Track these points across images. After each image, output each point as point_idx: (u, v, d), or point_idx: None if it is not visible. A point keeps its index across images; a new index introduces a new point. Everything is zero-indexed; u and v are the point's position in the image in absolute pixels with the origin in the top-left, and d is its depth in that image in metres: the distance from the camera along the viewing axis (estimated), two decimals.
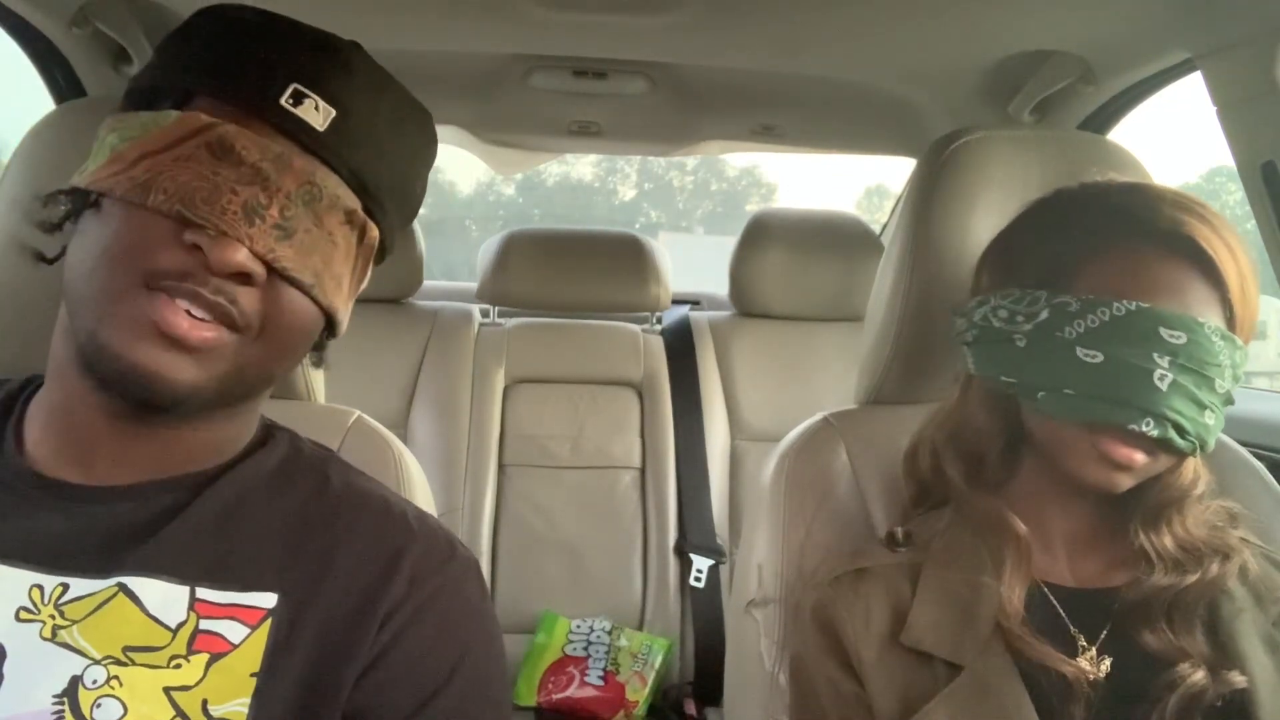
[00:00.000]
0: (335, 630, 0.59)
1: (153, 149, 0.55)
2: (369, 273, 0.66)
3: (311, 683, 0.57)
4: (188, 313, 0.54)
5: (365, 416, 0.89)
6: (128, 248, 0.54)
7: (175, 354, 0.54)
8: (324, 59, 0.59)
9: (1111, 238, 0.70)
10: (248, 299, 0.56)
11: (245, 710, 0.55)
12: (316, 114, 0.57)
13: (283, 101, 0.57)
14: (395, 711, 0.58)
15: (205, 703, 0.55)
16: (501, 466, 1.79)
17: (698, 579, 1.71)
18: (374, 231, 0.62)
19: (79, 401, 0.59)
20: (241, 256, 0.54)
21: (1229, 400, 0.68)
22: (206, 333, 0.54)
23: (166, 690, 0.55)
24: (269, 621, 0.58)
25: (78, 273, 0.56)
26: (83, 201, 0.58)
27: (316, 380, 0.93)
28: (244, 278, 0.55)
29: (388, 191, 0.63)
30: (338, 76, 0.59)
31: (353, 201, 0.60)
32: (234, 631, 0.57)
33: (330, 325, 0.64)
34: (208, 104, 0.58)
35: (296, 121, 0.57)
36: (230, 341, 0.56)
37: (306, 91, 0.57)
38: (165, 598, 0.57)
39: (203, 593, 0.58)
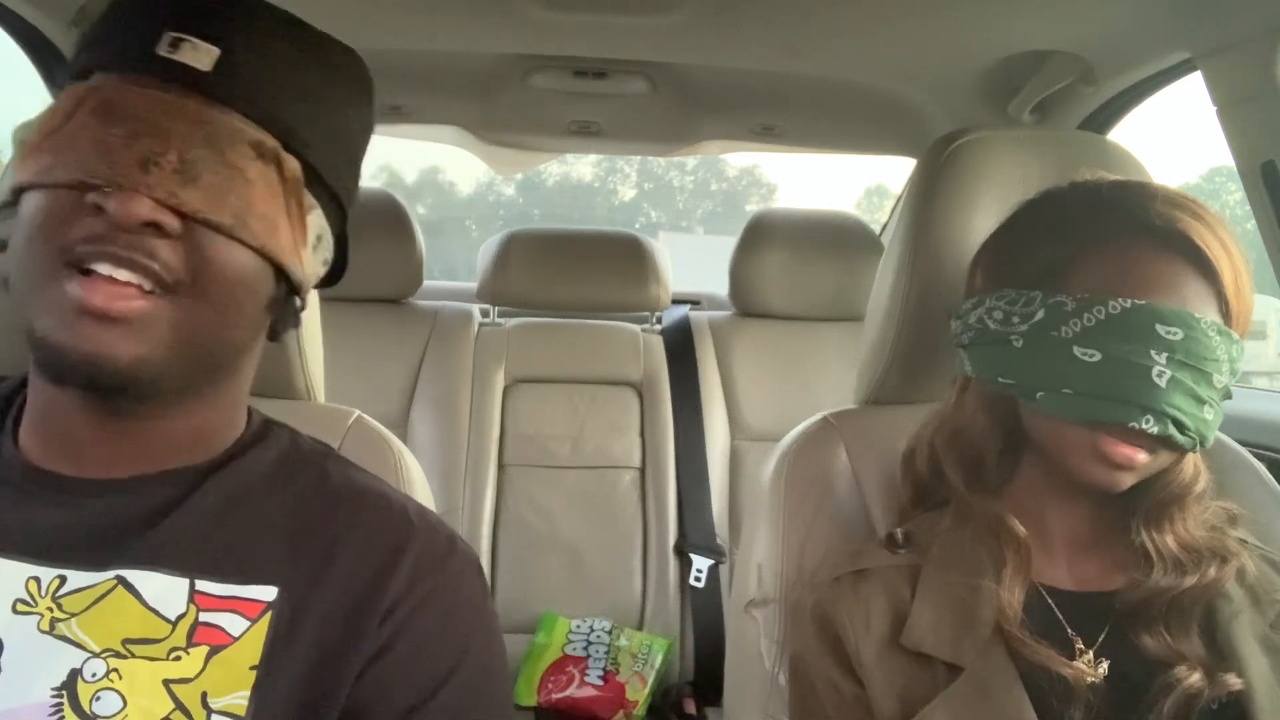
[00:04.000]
0: (335, 626, 0.59)
1: (51, 129, 0.55)
2: (312, 221, 0.62)
3: (312, 678, 0.57)
4: (110, 279, 0.53)
5: (365, 416, 0.89)
6: (41, 230, 0.54)
7: (106, 330, 0.53)
8: (199, 2, 0.58)
9: (1105, 236, 0.70)
10: (166, 252, 0.54)
11: (245, 703, 0.55)
12: (198, 54, 0.56)
13: (160, 51, 0.56)
14: (396, 707, 0.58)
15: (205, 695, 0.55)
16: (501, 466, 1.79)
17: (698, 579, 1.71)
18: (293, 163, 0.59)
19: (54, 400, 0.59)
20: (144, 208, 0.52)
21: (1227, 395, 0.68)
22: (132, 301, 0.53)
23: (166, 683, 0.55)
24: (269, 614, 0.58)
25: (12, 269, 0.56)
26: (14, 204, 0.57)
27: (316, 380, 0.93)
28: (156, 230, 0.53)
29: (301, 121, 0.60)
30: (217, 16, 0.57)
31: (258, 133, 0.57)
32: (234, 624, 0.57)
33: (288, 282, 0.61)
34: (99, 78, 0.57)
35: (180, 68, 0.56)
36: (162, 307, 0.54)
37: (183, 36, 0.56)
38: (164, 590, 0.57)
39: (202, 585, 0.58)
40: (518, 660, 1.64)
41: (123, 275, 0.53)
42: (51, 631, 0.55)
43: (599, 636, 1.64)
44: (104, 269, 0.53)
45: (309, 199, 0.61)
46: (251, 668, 0.56)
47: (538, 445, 1.81)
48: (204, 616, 0.57)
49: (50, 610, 0.55)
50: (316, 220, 0.63)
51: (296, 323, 0.67)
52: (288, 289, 0.62)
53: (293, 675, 0.57)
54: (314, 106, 0.61)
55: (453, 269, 3.66)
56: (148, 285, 0.54)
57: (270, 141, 0.58)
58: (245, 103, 0.57)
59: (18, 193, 0.56)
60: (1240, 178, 1.11)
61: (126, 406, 0.58)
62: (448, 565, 0.64)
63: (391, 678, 0.59)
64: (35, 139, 0.56)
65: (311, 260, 0.63)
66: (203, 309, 0.56)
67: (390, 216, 1.82)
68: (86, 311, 0.52)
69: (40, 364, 0.56)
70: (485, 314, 2.01)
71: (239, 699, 0.55)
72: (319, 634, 0.58)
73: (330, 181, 0.63)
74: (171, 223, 0.53)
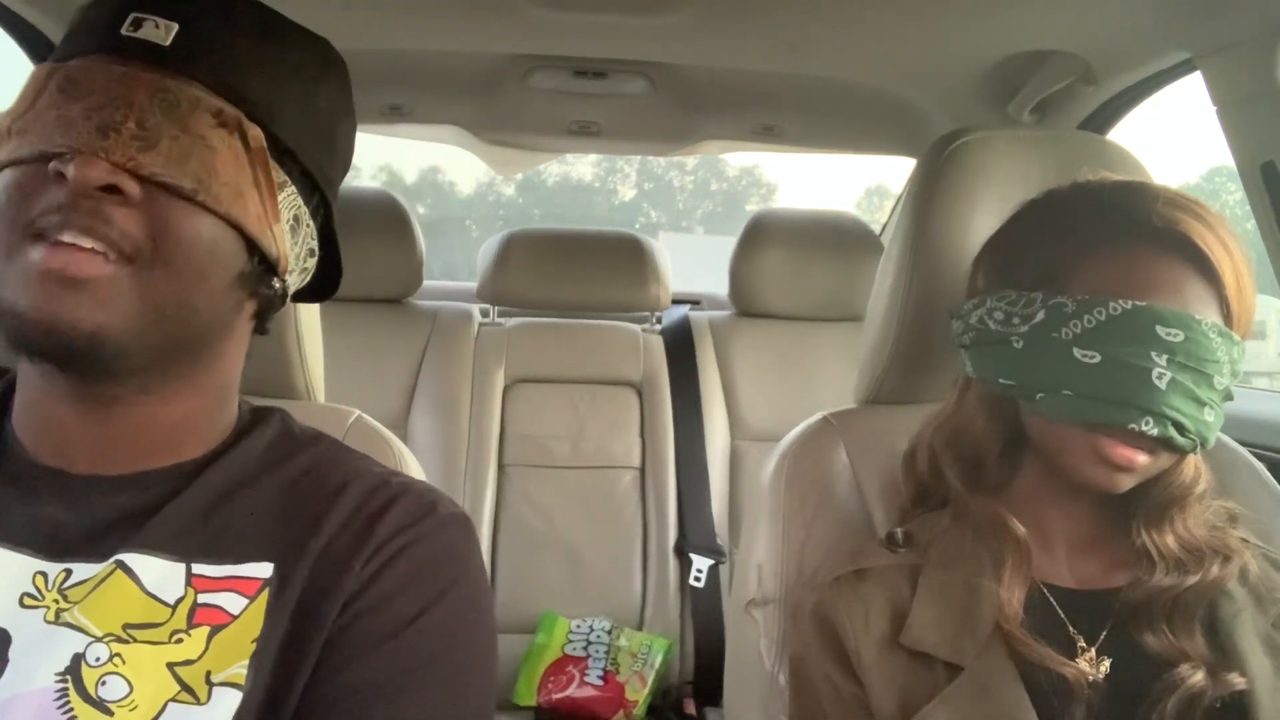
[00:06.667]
0: (317, 587, 0.59)
1: (21, 111, 0.57)
2: (285, 199, 0.62)
3: (294, 638, 0.58)
4: (72, 246, 0.53)
5: (365, 416, 0.90)
6: (6, 205, 0.54)
7: (69, 295, 0.53)
8: None
9: (1106, 237, 0.70)
10: (126, 218, 0.54)
11: (244, 672, 0.56)
12: (158, 31, 0.57)
13: (124, 31, 0.57)
14: (363, 644, 0.58)
15: (209, 674, 0.56)
16: (501, 466, 1.79)
17: (698, 579, 1.71)
18: (255, 131, 0.59)
19: (40, 391, 0.59)
20: (99, 170, 0.53)
21: (1228, 396, 0.68)
22: (94, 268, 0.53)
23: (170, 666, 0.55)
24: (267, 590, 0.59)
25: None
26: None
27: (316, 380, 0.93)
28: (117, 197, 0.54)
29: (264, 93, 0.60)
30: None
31: (219, 102, 0.58)
32: (233, 603, 0.58)
33: (263, 259, 0.60)
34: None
35: (140, 44, 0.57)
36: (126, 273, 0.54)
37: (144, 15, 0.58)
38: (162, 574, 0.57)
39: (198, 568, 0.58)
40: (518, 660, 1.64)
41: (84, 243, 0.53)
42: (56, 621, 0.55)
43: (599, 636, 1.64)
44: (66, 237, 0.53)
45: (279, 174, 0.61)
46: (253, 641, 0.57)
47: (538, 445, 1.81)
48: (202, 598, 0.58)
49: (56, 602, 0.56)
50: (290, 199, 0.62)
51: (280, 305, 0.66)
52: (264, 267, 0.61)
53: (280, 639, 0.58)
54: (278, 80, 0.61)
55: (453, 269, 3.66)
56: (111, 254, 0.54)
57: (231, 110, 0.58)
58: (205, 73, 0.58)
59: None
60: (1240, 178, 1.11)
61: (105, 388, 0.58)
62: (427, 521, 0.63)
63: (360, 619, 0.58)
64: (6, 123, 0.57)
65: (289, 242, 0.62)
66: (165, 276, 0.55)
67: (390, 216, 1.82)
68: (48, 276, 0.53)
69: (9, 338, 0.56)
70: (485, 314, 2.01)
71: (239, 669, 0.56)
72: (301, 597, 0.59)
73: (302, 158, 0.63)
74: (130, 186, 0.54)
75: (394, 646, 0.58)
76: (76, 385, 0.58)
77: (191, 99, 0.57)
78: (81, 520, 0.58)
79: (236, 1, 0.61)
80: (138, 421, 0.60)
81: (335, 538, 0.61)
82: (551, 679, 1.60)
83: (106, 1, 0.60)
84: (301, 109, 0.63)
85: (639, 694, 1.59)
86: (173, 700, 0.54)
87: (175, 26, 0.57)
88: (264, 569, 0.59)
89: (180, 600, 0.57)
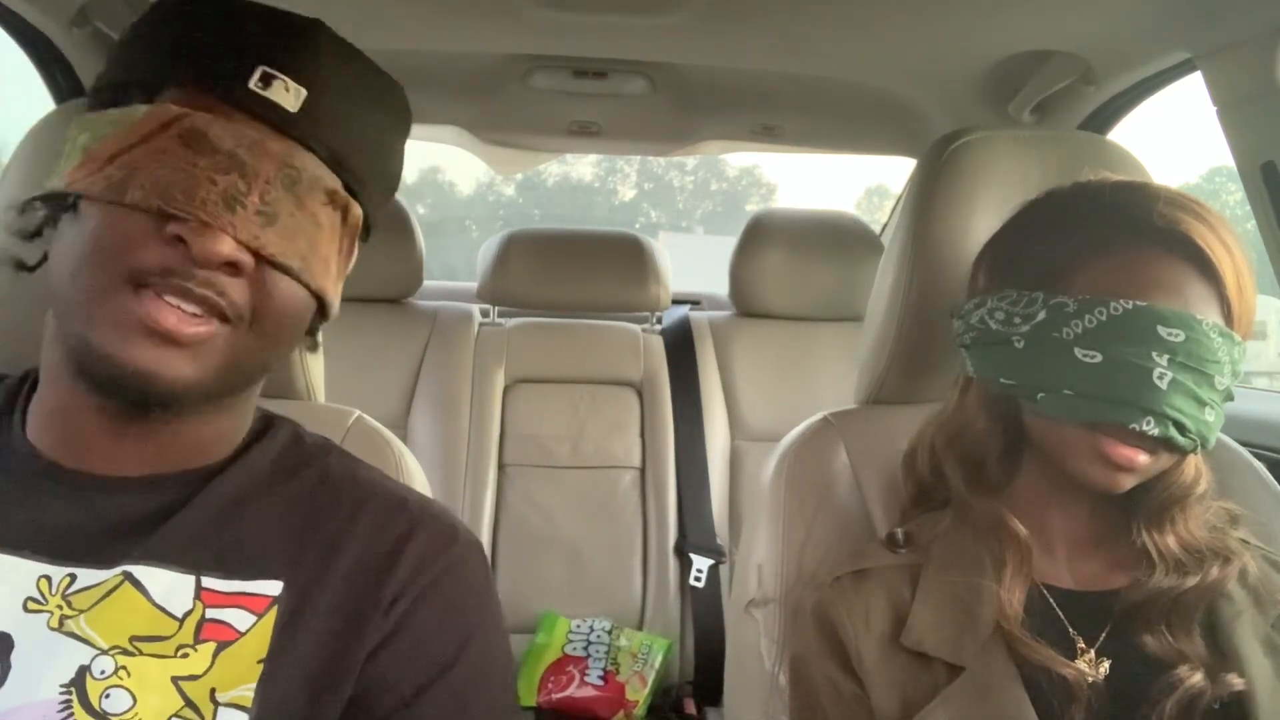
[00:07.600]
0: (340, 617, 0.59)
1: (126, 145, 0.55)
2: (355, 252, 0.66)
3: (318, 669, 0.58)
4: (177, 308, 0.53)
5: (365, 416, 0.89)
6: (109, 247, 0.54)
7: (167, 350, 0.54)
8: (290, 38, 0.59)
9: (1107, 237, 0.70)
10: (237, 290, 0.55)
11: (252, 695, 0.56)
12: (288, 95, 0.57)
13: (252, 85, 0.56)
14: (401, 692, 0.59)
15: (213, 691, 0.55)
16: (501, 466, 1.79)
17: (698, 579, 1.71)
18: (357, 210, 0.62)
19: (75, 406, 0.59)
20: (227, 248, 0.53)
21: (1229, 397, 0.68)
22: (198, 327, 0.54)
23: (175, 680, 0.55)
24: (275, 609, 0.58)
25: (61, 277, 0.56)
26: (60, 205, 0.57)
27: (317, 380, 0.93)
28: (232, 268, 0.54)
29: (367, 168, 0.62)
30: (305, 55, 0.58)
31: (333, 181, 0.59)
32: (241, 620, 0.58)
33: (322, 309, 0.63)
34: (176, 94, 0.57)
35: (268, 105, 0.56)
36: (222, 333, 0.56)
37: (275, 73, 0.57)
38: (171, 587, 0.57)
39: (208, 582, 0.58)
40: (518, 660, 1.64)
41: (189, 308, 0.54)
42: (60, 628, 0.55)
43: (599, 636, 1.64)
44: (172, 300, 0.53)
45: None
46: (259, 661, 0.57)
47: (538, 445, 1.81)
48: (210, 613, 0.57)
49: (60, 608, 0.55)
50: (356, 253, 0.66)
51: (314, 346, 0.70)
52: (318, 315, 0.64)
53: (299, 667, 0.57)
54: (377, 152, 0.64)
55: (453, 269, 3.66)
56: (212, 316, 0.55)
57: (343, 193, 0.60)
58: (322, 145, 0.59)
59: (68, 197, 0.56)
60: (1240, 178, 1.11)
61: (153, 416, 0.59)
62: (450, 553, 0.64)
63: (395, 665, 0.59)
64: (104, 150, 0.55)
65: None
66: (257, 339, 0.58)
67: (390, 216, 1.81)
68: (151, 331, 0.53)
69: (84, 373, 0.56)
70: (485, 314, 2.01)
71: (246, 691, 0.56)
72: (324, 625, 0.59)
73: (371, 221, 0.66)
74: (249, 264, 0.55)
75: (435, 691, 0.59)
76: (122, 408, 0.58)
77: (312, 177, 0.58)
78: (88, 523, 0.58)
79: (350, 61, 0.62)
80: (168, 437, 0.61)
81: (359, 561, 0.61)
82: (552, 679, 1.60)
83: (223, 39, 0.58)
84: (384, 178, 0.66)
85: (639, 694, 1.59)
86: (176, 715, 0.54)
87: (304, 93, 0.57)
88: (273, 587, 0.59)
89: (189, 614, 0.57)
